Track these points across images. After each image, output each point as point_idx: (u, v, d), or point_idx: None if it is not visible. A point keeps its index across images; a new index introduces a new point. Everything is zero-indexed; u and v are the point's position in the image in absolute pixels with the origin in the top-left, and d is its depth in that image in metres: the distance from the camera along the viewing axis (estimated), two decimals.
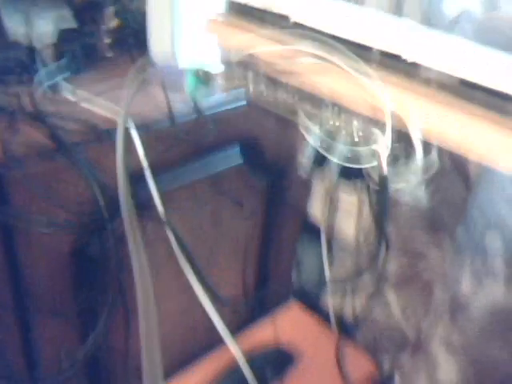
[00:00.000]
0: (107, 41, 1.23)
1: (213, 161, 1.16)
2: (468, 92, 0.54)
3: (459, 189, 0.97)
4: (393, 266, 1.20)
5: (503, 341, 0.97)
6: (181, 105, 1.08)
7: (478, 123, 0.53)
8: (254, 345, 1.31)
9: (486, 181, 0.91)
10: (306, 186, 1.38)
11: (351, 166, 0.61)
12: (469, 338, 1.01)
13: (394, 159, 0.58)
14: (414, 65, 0.56)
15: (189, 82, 0.83)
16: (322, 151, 0.63)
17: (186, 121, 1.07)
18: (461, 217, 1.00)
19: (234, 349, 1.09)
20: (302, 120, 0.65)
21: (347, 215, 1.30)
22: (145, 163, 0.98)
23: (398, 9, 0.72)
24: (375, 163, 0.59)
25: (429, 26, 0.62)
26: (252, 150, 1.22)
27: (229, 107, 1.15)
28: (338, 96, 0.61)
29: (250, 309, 1.47)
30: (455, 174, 0.97)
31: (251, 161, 1.23)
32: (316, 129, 0.64)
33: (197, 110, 1.08)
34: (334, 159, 0.63)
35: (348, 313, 1.35)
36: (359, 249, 1.26)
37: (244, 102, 1.15)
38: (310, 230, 1.45)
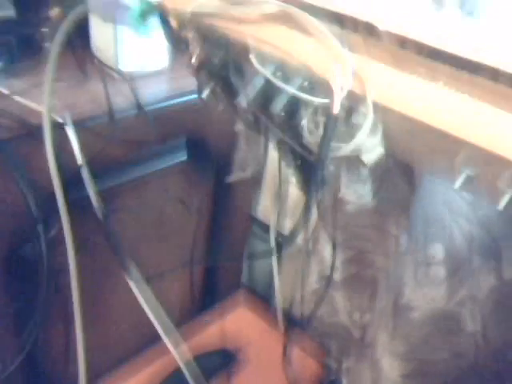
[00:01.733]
0: (46, 30, 1.17)
1: (156, 158, 1.13)
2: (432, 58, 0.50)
3: (403, 189, 0.96)
4: (339, 265, 1.19)
5: (444, 344, 0.98)
6: (122, 100, 1.04)
7: (443, 90, 0.49)
8: (200, 343, 1.29)
9: (429, 184, 0.90)
10: (253, 184, 1.36)
11: (302, 96, 0.56)
12: (411, 341, 1.01)
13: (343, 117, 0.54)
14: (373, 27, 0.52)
15: (133, 13, 0.77)
16: (274, 80, 0.58)
17: (126, 116, 1.03)
18: (405, 220, 0.99)
19: (177, 351, 1.06)
20: (253, 51, 0.59)
21: (294, 214, 1.29)
22: (81, 160, 0.94)
23: None
24: (326, 100, 0.55)
25: None
26: (197, 147, 1.19)
27: (173, 102, 1.11)
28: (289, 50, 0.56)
29: (198, 306, 1.44)
30: (399, 174, 0.97)
31: (196, 157, 1.19)
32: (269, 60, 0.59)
33: (138, 105, 1.04)
34: (287, 88, 0.57)
35: (297, 311, 1.33)
36: (307, 247, 1.24)
37: (189, 97, 1.12)
38: (260, 225, 1.43)
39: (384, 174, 1.01)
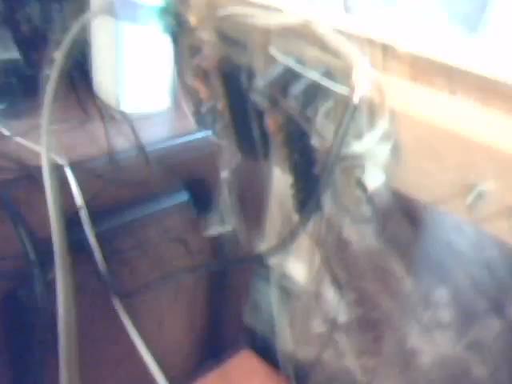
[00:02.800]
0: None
1: (156, 198, 1.11)
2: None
3: (407, 229, 0.94)
4: (343, 307, 1.16)
5: None
6: (123, 141, 1.04)
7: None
8: None
9: (431, 224, 0.89)
10: (257, 223, 1.34)
11: (323, 83, 0.55)
12: None
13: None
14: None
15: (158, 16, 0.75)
16: (295, 67, 0.57)
17: (126, 157, 1.02)
18: (409, 264, 0.97)
19: None
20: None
21: (299, 258, 1.26)
22: (80, 203, 0.93)
23: None
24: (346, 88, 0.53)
25: None
26: (198, 187, 1.18)
27: (174, 143, 1.11)
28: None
29: (200, 357, 1.40)
30: (402, 213, 0.95)
31: (197, 197, 1.18)
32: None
33: (139, 146, 1.04)
34: (308, 74, 0.55)
35: (301, 359, 1.29)
36: (311, 293, 1.21)
37: (191, 138, 1.12)
38: (264, 272, 1.40)
39: (387, 212, 1.00)
